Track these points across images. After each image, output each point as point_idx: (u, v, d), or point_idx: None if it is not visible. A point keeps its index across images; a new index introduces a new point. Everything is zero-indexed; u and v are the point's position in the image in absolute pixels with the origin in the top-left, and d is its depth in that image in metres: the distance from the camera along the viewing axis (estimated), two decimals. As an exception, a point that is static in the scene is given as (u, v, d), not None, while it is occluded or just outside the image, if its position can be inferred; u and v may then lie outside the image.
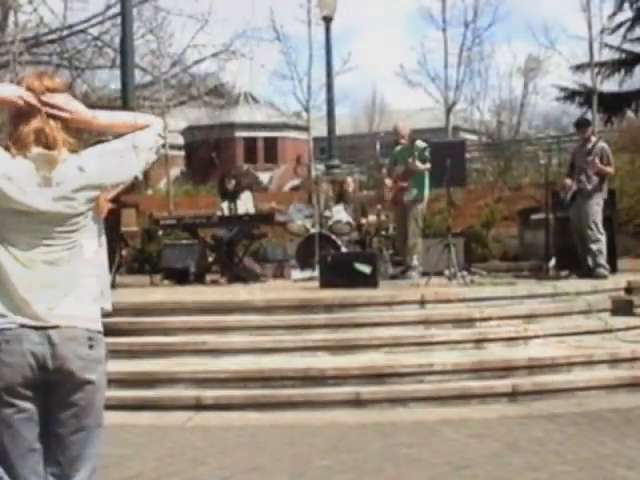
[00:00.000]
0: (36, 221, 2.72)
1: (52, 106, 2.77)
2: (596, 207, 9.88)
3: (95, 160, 2.79)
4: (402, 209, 10.55)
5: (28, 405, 2.72)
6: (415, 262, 10.10)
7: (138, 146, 2.84)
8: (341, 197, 12.38)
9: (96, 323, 2.80)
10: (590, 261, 9.82)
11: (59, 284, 2.74)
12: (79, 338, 2.73)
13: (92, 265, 2.81)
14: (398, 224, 10.84)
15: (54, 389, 2.73)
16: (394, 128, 11.33)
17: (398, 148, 10.80)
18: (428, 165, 10.21)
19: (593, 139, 10.25)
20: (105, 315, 2.85)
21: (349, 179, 13.12)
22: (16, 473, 2.72)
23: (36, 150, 2.73)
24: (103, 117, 2.90)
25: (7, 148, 2.76)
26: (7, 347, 2.67)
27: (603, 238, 9.86)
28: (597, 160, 9.84)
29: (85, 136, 2.94)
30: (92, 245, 2.82)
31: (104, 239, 2.89)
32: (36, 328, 2.69)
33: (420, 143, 10.53)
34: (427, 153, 10.25)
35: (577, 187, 9.94)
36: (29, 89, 2.78)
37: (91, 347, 2.75)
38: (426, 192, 10.60)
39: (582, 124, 10.52)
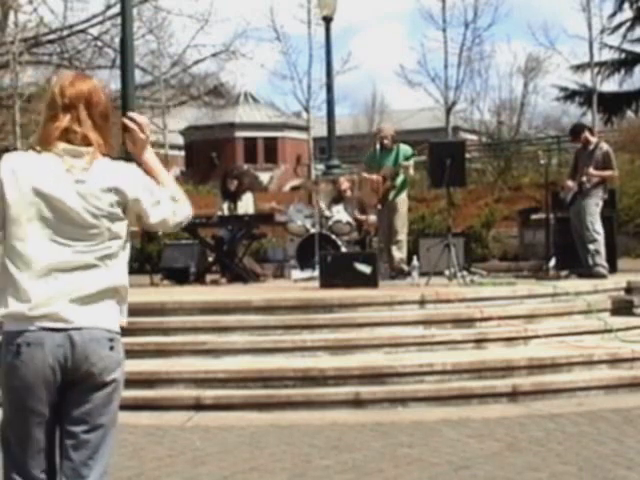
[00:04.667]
0: (60, 220, 2.69)
1: (137, 124, 2.84)
2: (594, 207, 9.85)
3: (130, 172, 2.78)
4: (388, 209, 10.62)
5: (44, 409, 2.70)
6: (415, 262, 10.11)
7: (172, 203, 2.84)
8: (340, 197, 12.39)
9: (116, 324, 2.79)
10: (590, 260, 9.81)
11: (82, 285, 2.71)
12: (100, 339, 2.72)
13: (123, 276, 2.82)
14: (383, 224, 10.87)
15: (72, 389, 2.72)
16: (378, 129, 11.50)
17: (378, 148, 10.84)
18: (411, 171, 10.85)
19: (593, 140, 10.18)
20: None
21: (341, 178, 13.17)
22: (27, 473, 2.73)
23: (62, 145, 2.72)
24: (152, 160, 2.90)
25: (31, 147, 2.76)
26: (28, 350, 2.65)
27: (600, 238, 9.83)
28: (591, 169, 9.80)
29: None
30: (123, 256, 2.82)
31: (129, 246, 2.87)
32: (58, 330, 2.67)
33: (406, 148, 10.71)
34: (412, 159, 10.67)
35: (578, 189, 9.92)
36: (62, 94, 2.76)
37: (112, 348, 2.75)
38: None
39: (575, 131, 10.44)
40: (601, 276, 9.68)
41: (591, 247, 9.79)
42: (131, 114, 2.88)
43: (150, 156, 2.89)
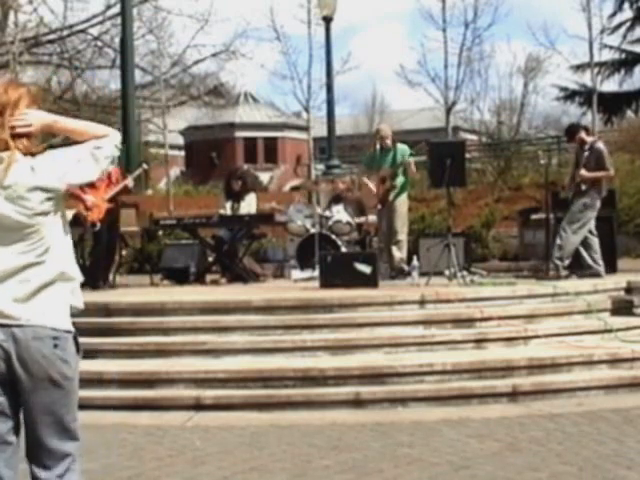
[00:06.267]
0: None
1: (13, 128, 2.85)
2: (581, 207, 9.79)
3: (49, 163, 2.84)
4: (388, 209, 10.62)
5: None
6: (415, 262, 10.12)
7: (96, 153, 2.90)
8: (339, 197, 12.39)
9: (63, 322, 2.84)
10: (554, 254, 9.79)
11: (26, 284, 2.78)
12: (43, 337, 2.77)
13: (60, 263, 2.85)
14: (384, 224, 10.87)
15: (22, 385, 2.78)
16: (377, 130, 11.50)
17: (377, 149, 10.85)
18: (414, 168, 10.78)
19: (589, 140, 10.14)
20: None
21: (337, 180, 13.18)
22: None
23: None
24: (64, 122, 2.97)
25: None
26: None
27: (575, 238, 9.78)
28: (583, 171, 9.78)
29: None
30: (60, 244, 2.86)
31: (69, 237, 2.92)
32: (1, 326, 2.74)
33: (404, 147, 10.74)
34: (410, 158, 10.67)
35: (576, 189, 9.89)
36: None
37: (55, 346, 2.79)
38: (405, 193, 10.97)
39: (569, 132, 10.39)
40: (553, 273, 9.69)
41: (557, 241, 9.79)
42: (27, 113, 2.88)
43: (61, 123, 2.94)
